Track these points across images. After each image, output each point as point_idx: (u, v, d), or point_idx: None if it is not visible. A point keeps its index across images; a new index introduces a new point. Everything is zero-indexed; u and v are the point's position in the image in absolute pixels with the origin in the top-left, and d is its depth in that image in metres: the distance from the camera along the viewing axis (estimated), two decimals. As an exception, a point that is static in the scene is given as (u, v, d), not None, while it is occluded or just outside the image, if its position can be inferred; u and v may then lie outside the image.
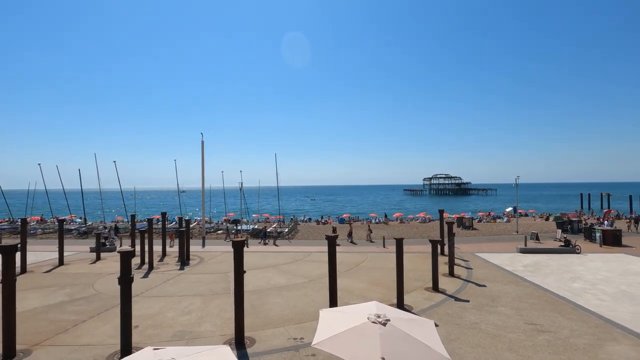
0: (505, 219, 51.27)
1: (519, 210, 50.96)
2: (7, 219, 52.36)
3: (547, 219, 49.18)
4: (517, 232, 35.71)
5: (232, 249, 10.78)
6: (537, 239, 29.51)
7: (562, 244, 25.27)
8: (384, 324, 5.80)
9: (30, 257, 22.91)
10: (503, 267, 19.86)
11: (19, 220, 43.80)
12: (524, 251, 24.31)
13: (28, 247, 22.17)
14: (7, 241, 32.67)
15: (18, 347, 10.05)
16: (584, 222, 36.58)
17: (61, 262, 22.34)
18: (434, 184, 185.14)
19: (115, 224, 46.02)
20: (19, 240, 23.85)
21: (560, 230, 30.59)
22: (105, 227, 44.56)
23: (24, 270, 20.11)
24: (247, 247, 27.98)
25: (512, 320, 11.89)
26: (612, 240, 26.51)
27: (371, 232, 32.92)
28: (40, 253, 26.44)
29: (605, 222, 34.49)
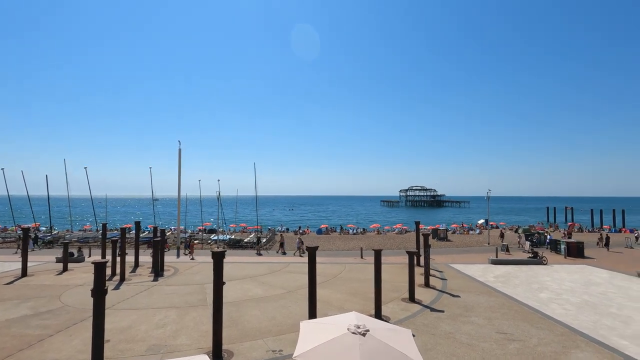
0: (478, 230, 52.95)
1: (491, 223, 52.88)
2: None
3: (516, 231, 51.19)
4: (488, 243, 36.99)
5: (207, 260, 10.67)
6: (508, 250, 30.69)
7: (531, 255, 26.42)
8: (364, 335, 5.94)
9: (-10, 268, 21.60)
10: (476, 278, 20.52)
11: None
12: (495, 262, 25.24)
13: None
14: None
15: (-23, 364, 9.46)
16: (549, 234, 38.44)
17: (24, 273, 21.15)
18: (410, 195, 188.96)
19: (35, 233, 41.00)
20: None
21: (528, 242, 31.98)
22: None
23: (-18, 281, 18.93)
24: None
25: (485, 330, 12.33)
26: (576, 252, 27.97)
27: (302, 244, 31.64)
28: (0, 263, 24.93)
29: (549, 236, 35.94)
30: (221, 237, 41.15)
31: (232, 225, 56.37)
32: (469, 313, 14.16)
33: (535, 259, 25.36)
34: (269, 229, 54.54)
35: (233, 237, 42.09)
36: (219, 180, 48.31)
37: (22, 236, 23.29)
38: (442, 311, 14.40)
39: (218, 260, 10.55)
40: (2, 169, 47.52)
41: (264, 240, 38.06)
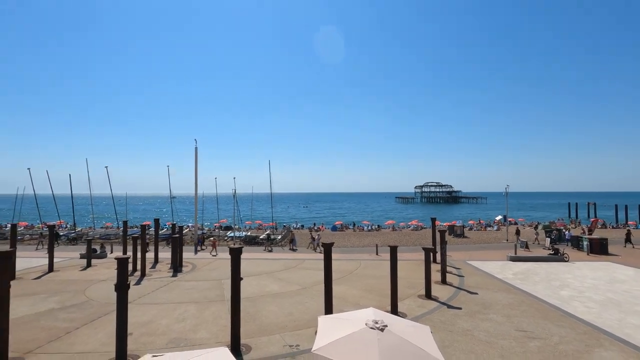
0: (496, 227, 51.96)
1: (509, 219, 51.78)
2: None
3: (535, 228, 50.02)
4: (507, 240, 36.28)
5: (224, 256, 10.86)
6: (527, 247, 30.05)
7: (551, 252, 25.79)
8: (382, 330, 5.96)
9: (19, 264, 22.57)
10: (494, 275, 20.20)
11: (7, 225, 42.95)
12: (514, 259, 24.75)
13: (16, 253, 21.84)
14: (-6, 247, 32.06)
15: (10, 354, 9.92)
16: (568, 230, 37.31)
17: (51, 268, 22.03)
18: (425, 192, 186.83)
19: (56, 230, 38.21)
20: (8, 247, 23.44)
21: (549, 239, 31.20)
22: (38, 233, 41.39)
23: (12, 276, 19.77)
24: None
25: (504, 327, 12.14)
26: (599, 248, 27.13)
27: (314, 240, 32.22)
28: (28, 259, 26.01)
29: (567, 232, 34.79)
30: (237, 233, 41.75)
31: (247, 222, 57.08)
32: (487, 310, 13.97)
33: (556, 256, 24.74)
34: (284, 226, 55.01)
35: (249, 233, 42.66)
36: (234, 178, 49.04)
37: (48, 233, 24.24)
38: (460, 308, 14.25)
39: (236, 256, 10.73)
40: (29, 168, 49.48)
41: (279, 237, 38.41)
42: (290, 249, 32.09)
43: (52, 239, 23.14)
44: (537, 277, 19.68)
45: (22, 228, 49.22)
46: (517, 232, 37.84)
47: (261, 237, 38.96)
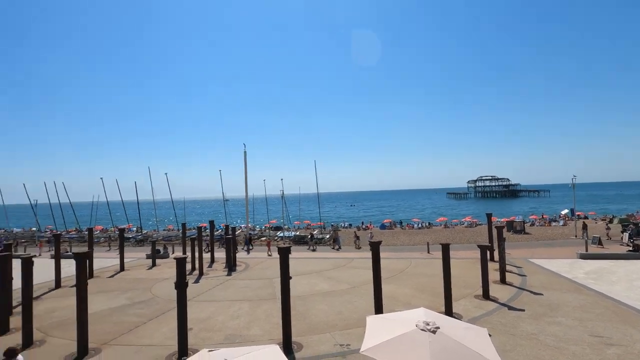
0: (562, 222, 47.57)
1: (577, 213, 47.09)
2: (75, 229, 57.74)
3: (610, 222, 44.92)
4: (575, 236, 33.01)
5: (275, 255, 11.10)
6: (600, 243, 27.07)
7: (630, 248, 23.00)
8: (434, 332, 5.69)
9: (95, 263, 25.09)
10: (561, 274, 18.48)
11: (86, 229, 48.12)
12: (585, 257, 22.42)
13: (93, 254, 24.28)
14: (76, 249, 36.02)
15: (89, 345, 11.05)
16: None
17: (122, 268, 24.20)
18: (479, 186, 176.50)
19: (121, 231, 32.25)
20: (86, 248, 26.21)
21: (627, 234, 27.85)
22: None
23: (90, 275, 22.02)
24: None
25: (575, 332, 11.03)
26: (692, 244, 23.62)
27: (358, 239, 32.59)
28: (103, 260, 28.83)
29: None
30: (287, 233, 42.70)
31: (296, 222, 58.10)
32: (555, 313, 12.80)
33: (637, 253, 22.01)
34: (332, 225, 55.22)
35: (298, 233, 43.43)
36: (282, 180, 50.22)
37: (115, 236, 26.71)
38: (523, 310, 13.22)
39: (284, 255, 10.94)
40: (102, 178, 55.07)
41: (327, 236, 38.61)
42: (334, 248, 32.08)
43: (122, 241, 25.43)
44: (614, 277, 17.65)
45: (98, 232, 54.75)
46: (584, 227, 33.93)
47: (307, 237, 39.50)
